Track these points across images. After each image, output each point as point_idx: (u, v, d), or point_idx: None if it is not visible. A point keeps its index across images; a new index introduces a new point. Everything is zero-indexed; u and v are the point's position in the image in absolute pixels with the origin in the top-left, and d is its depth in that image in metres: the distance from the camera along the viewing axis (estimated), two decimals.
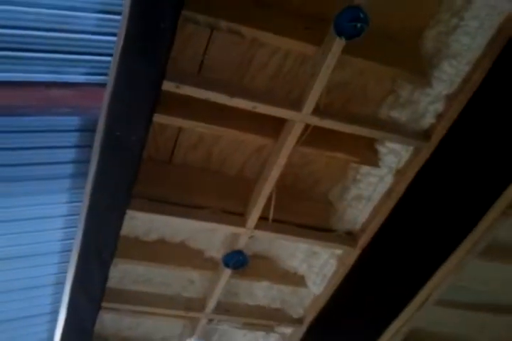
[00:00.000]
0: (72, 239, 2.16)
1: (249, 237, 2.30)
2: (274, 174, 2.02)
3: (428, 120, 1.90)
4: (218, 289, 2.50)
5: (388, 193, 2.11)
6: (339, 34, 1.61)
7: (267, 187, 2.06)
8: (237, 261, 2.38)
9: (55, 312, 2.57)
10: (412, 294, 2.50)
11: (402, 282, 2.47)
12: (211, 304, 2.59)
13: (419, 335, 2.81)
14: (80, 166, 1.81)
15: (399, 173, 2.05)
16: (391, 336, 2.74)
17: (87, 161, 1.77)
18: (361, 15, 1.58)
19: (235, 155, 2.21)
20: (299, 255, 2.55)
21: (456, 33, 1.75)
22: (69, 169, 1.81)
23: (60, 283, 2.39)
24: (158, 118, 1.79)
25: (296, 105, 1.81)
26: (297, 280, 2.62)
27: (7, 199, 1.86)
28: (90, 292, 2.40)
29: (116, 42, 1.47)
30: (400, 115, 1.96)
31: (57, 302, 2.51)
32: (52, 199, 1.90)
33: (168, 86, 1.66)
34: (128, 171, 1.86)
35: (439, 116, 1.87)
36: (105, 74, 1.56)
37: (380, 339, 2.75)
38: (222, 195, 2.21)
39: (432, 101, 1.87)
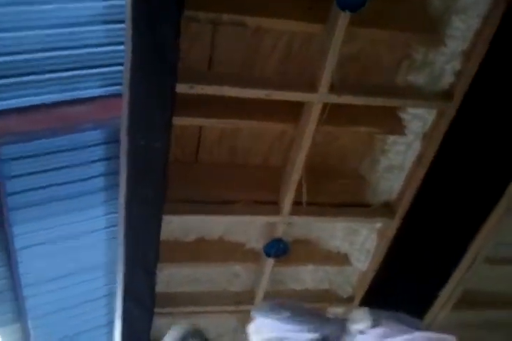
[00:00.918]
0: (116, 249, 2.18)
1: (287, 224, 2.29)
2: (301, 157, 2.01)
3: (447, 79, 1.87)
4: (264, 279, 2.50)
5: (419, 159, 2.08)
6: (343, 8, 1.59)
7: (295, 172, 2.05)
8: (278, 249, 2.38)
9: (112, 323, 2.61)
10: (458, 256, 2.49)
11: (446, 245, 2.45)
12: (259, 295, 2.59)
13: (472, 296, 2.79)
14: (111, 178, 1.82)
15: (426, 138, 2.03)
16: (445, 300, 2.73)
17: (116, 172, 1.79)
18: None
19: (258, 145, 2.20)
20: (339, 234, 2.55)
21: None
22: (101, 182, 1.83)
23: (112, 294, 2.42)
24: (178, 120, 1.79)
25: (311, 86, 1.80)
26: (341, 259, 2.62)
27: (47, 220, 1.89)
28: (141, 300, 2.42)
29: (124, 50, 1.46)
30: (418, 79, 1.93)
31: (111, 313, 2.55)
32: (89, 213, 1.93)
33: (182, 88, 1.66)
34: (157, 177, 1.87)
35: (458, 74, 1.84)
36: (120, 84, 1.56)
37: (434, 304, 2.74)
38: (252, 187, 2.21)
39: (448, 60, 1.84)
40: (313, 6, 1.70)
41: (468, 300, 2.80)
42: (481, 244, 2.40)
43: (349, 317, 1.47)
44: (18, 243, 2.03)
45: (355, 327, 1.43)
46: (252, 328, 1.53)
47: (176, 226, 2.35)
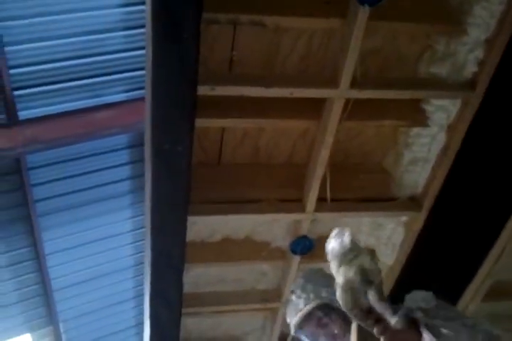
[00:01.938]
0: (143, 251, 2.20)
1: (312, 221, 2.28)
2: (324, 154, 2.00)
3: (470, 69, 1.84)
4: (291, 277, 2.50)
5: (444, 151, 2.06)
6: (362, 3, 1.57)
7: (319, 169, 2.04)
8: (304, 246, 2.37)
9: (141, 324, 2.64)
10: (487, 247, 2.46)
11: (474, 238, 2.43)
12: (287, 292, 2.59)
13: (502, 287, 2.76)
14: (136, 181, 1.84)
15: (450, 129, 2.00)
16: (474, 292, 2.70)
17: (142, 175, 1.80)
18: None
19: (281, 143, 2.19)
20: (365, 229, 2.53)
21: None
22: (127, 186, 1.85)
23: (140, 296, 2.44)
24: (199, 122, 1.79)
25: (333, 82, 1.78)
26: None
27: (75, 224, 1.91)
28: (169, 301, 2.44)
29: (146, 54, 1.47)
30: (441, 70, 1.91)
31: (140, 314, 2.57)
32: (116, 217, 1.95)
33: (203, 90, 1.66)
34: (181, 179, 1.88)
35: (481, 63, 1.81)
36: (144, 88, 1.57)
37: (464, 296, 2.72)
38: (276, 185, 2.21)
39: (470, 49, 1.81)
40: (331, 1, 1.69)
41: (498, 292, 2.77)
42: (510, 234, 2.37)
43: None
44: (48, 248, 2.05)
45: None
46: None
47: (201, 226, 2.35)
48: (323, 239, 2.51)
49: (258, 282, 2.68)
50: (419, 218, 2.29)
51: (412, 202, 2.27)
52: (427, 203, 2.23)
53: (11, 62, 1.91)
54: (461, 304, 2.74)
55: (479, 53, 1.80)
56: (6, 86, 1.89)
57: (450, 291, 2.78)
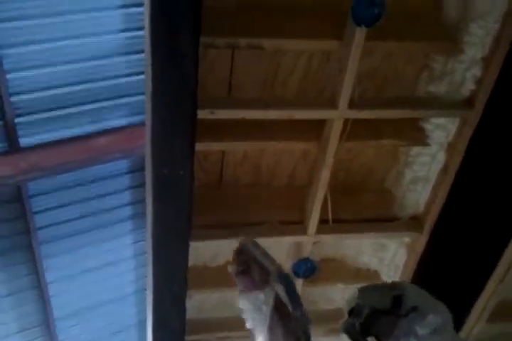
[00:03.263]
0: (145, 277, 2.18)
1: (314, 243, 2.26)
2: (325, 175, 2.00)
3: (468, 87, 1.86)
4: None
5: (444, 170, 2.06)
6: (359, 23, 1.59)
7: (320, 190, 2.04)
8: (306, 269, 2.35)
9: None
10: (491, 267, 2.43)
11: (477, 257, 2.41)
12: None
13: (508, 306, 2.73)
14: (137, 206, 1.83)
15: (450, 147, 2.01)
16: (479, 313, 2.66)
17: (143, 200, 1.79)
18: (376, 0, 1.55)
19: (281, 165, 2.20)
20: (367, 250, 2.51)
21: None
22: (128, 211, 1.84)
23: (143, 323, 2.41)
24: (199, 146, 1.79)
25: (332, 103, 1.80)
26: (371, 276, 2.57)
27: (77, 252, 1.90)
28: (172, 327, 2.40)
29: (145, 80, 1.48)
30: (438, 88, 1.93)
31: None
32: (118, 243, 1.93)
33: (202, 114, 1.66)
34: (183, 204, 1.87)
35: (479, 81, 1.83)
36: (144, 113, 1.58)
37: (469, 317, 2.68)
38: (277, 207, 2.20)
39: (467, 68, 1.83)
40: (328, 22, 1.71)
41: (504, 311, 2.73)
42: None
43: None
44: (50, 276, 2.03)
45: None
46: None
47: (203, 251, 2.33)
48: (326, 261, 2.52)
49: None
50: (422, 238, 2.28)
51: (414, 222, 2.26)
52: (429, 223, 2.22)
53: (12, 89, 1.93)
54: (467, 325, 2.70)
55: (476, 71, 1.82)
56: (7, 113, 1.90)
57: (455, 312, 2.74)
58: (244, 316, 1.52)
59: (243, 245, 1.53)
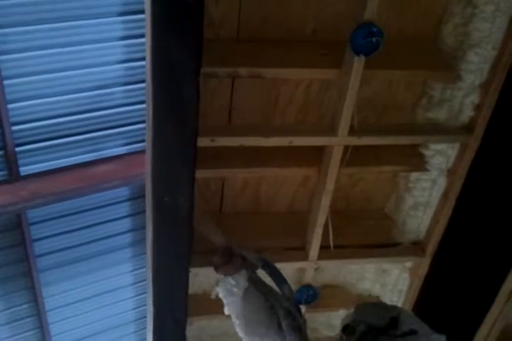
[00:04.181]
0: (145, 305, 2.16)
1: (315, 269, 2.25)
2: (325, 201, 1.99)
3: (467, 113, 1.87)
4: None
5: (445, 195, 2.06)
6: (357, 53, 1.61)
7: (321, 216, 2.03)
8: (308, 295, 2.33)
9: None
10: (495, 290, 2.41)
11: (482, 280, 2.39)
12: None
13: None
14: (137, 233, 1.82)
15: (450, 173, 2.01)
16: (485, 337, 2.63)
17: (143, 228, 1.79)
18: (374, 30, 1.58)
19: (281, 192, 2.19)
20: (369, 276, 2.49)
21: (474, 21, 1.73)
22: (128, 238, 1.83)
23: None
24: (200, 173, 1.79)
25: (331, 130, 1.81)
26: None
27: (76, 279, 1.88)
28: None
29: (146, 109, 1.49)
30: (437, 115, 1.94)
31: None
32: (118, 270, 1.92)
33: (203, 142, 1.67)
34: (183, 231, 1.86)
35: (477, 108, 1.85)
36: (144, 141, 1.59)
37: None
38: (278, 234, 2.19)
39: (466, 94, 1.85)
40: (326, 52, 1.73)
41: (510, 335, 2.70)
42: None
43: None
44: (49, 304, 2.02)
45: None
46: None
47: (203, 278, 2.31)
48: (328, 287, 2.50)
49: None
50: (424, 263, 2.27)
51: (416, 247, 2.25)
52: (431, 248, 2.21)
53: (13, 119, 1.94)
54: None
55: (475, 98, 1.84)
56: (8, 142, 1.92)
57: (460, 337, 2.71)
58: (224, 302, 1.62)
59: (227, 243, 1.62)
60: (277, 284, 1.56)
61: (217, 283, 1.63)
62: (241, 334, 1.60)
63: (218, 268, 1.62)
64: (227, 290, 1.59)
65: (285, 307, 1.52)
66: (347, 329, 1.40)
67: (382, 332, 1.36)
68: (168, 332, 2.25)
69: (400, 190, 2.25)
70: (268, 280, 1.65)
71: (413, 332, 1.35)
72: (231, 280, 1.57)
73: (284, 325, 1.51)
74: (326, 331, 2.66)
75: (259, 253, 1.59)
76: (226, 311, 1.62)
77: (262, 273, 1.65)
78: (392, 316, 1.37)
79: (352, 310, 1.44)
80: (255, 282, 1.59)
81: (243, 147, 1.77)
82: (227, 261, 1.60)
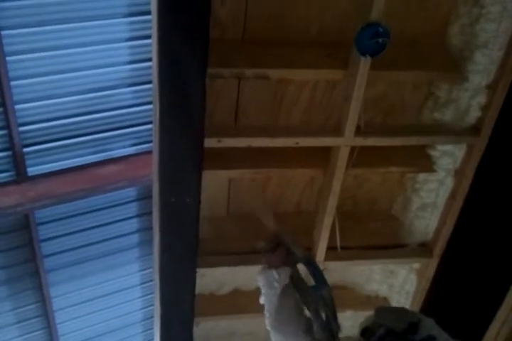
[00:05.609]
0: (152, 305, 2.16)
1: (322, 270, 2.24)
2: (332, 202, 1.99)
3: (473, 114, 1.87)
4: None
5: (452, 196, 2.05)
6: (363, 53, 1.61)
7: (327, 217, 2.03)
8: None
9: None
10: (503, 290, 2.40)
11: (490, 281, 2.37)
12: None
13: None
14: (144, 234, 1.83)
15: (458, 174, 2.00)
16: (493, 338, 2.61)
17: (150, 228, 1.79)
18: (380, 30, 1.58)
19: (288, 192, 2.19)
20: (376, 277, 2.48)
21: (480, 22, 1.73)
22: (135, 239, 1.84)
23: None
24: (207, 174, 1.80)
25: (337, 131, 1.81)
26: (380, 303, 2.54)
27: (83, 280, 1.89)
28: None
29: (153, 110, 1.50)
30: (444, 116, 1.93)
31: None
32: (125, 270, 1.93)
33: (209, 142, 1.68)
34: (190, 232, 1.87)
35: (484, 108, 1.84)
36: (151, 142, 1.60)
37: None
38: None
39: (472, 95, 1.84)
40: (332, 53, 1.73)
41: None
42: None
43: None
44: (56, 304, 2.02)
45: None
46: None
47: (210, 279, 2.32)
48: (335, 288, 2.49)
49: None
50: (432, 264, 2.26)
51: (423, 249, 2.24)
52: (438, 249, 2.20)
53: (21, 120, 1.96)
54: None
55: (481, 99, 1.83)
56: (15, 143, 1.93)
57: (468, 338, 2.69)
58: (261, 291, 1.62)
59: (278, 230, 1.65)
60: (317, 284, 1.56)
61: (259, 272, 1.64)
62: (268, 327, 1.61)
63: (263, 255, 1.64)
64: (268, 282, 1.60)
65: (319, 309, 1.52)
66: (366, 332, 1.40)
67: (400, 337, 1.36)
68: (175, 332, 2.25)
69: (407, 191, 2.24)
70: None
71: (431, 338, 1.35)
72: (274, 274, 1.58)
73: (314, 326, 1.50)
74: None
75: (306, 250, 1.60)
76: (261, 300, 1.63)
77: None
78: (411, 321, 1.37)
79: (372, 312, 1.44)
80: (296, 280, 1.60)
81: (250, 148, 1.77)
82: (273, 248, 1.62)
